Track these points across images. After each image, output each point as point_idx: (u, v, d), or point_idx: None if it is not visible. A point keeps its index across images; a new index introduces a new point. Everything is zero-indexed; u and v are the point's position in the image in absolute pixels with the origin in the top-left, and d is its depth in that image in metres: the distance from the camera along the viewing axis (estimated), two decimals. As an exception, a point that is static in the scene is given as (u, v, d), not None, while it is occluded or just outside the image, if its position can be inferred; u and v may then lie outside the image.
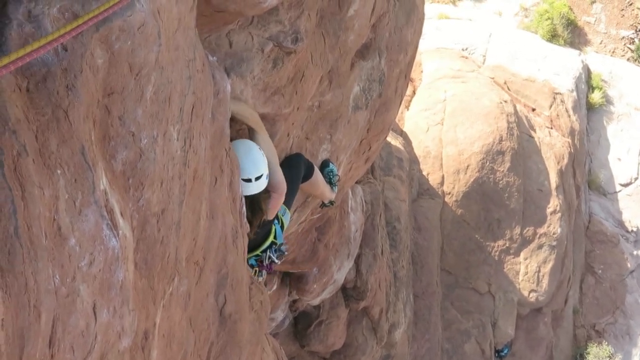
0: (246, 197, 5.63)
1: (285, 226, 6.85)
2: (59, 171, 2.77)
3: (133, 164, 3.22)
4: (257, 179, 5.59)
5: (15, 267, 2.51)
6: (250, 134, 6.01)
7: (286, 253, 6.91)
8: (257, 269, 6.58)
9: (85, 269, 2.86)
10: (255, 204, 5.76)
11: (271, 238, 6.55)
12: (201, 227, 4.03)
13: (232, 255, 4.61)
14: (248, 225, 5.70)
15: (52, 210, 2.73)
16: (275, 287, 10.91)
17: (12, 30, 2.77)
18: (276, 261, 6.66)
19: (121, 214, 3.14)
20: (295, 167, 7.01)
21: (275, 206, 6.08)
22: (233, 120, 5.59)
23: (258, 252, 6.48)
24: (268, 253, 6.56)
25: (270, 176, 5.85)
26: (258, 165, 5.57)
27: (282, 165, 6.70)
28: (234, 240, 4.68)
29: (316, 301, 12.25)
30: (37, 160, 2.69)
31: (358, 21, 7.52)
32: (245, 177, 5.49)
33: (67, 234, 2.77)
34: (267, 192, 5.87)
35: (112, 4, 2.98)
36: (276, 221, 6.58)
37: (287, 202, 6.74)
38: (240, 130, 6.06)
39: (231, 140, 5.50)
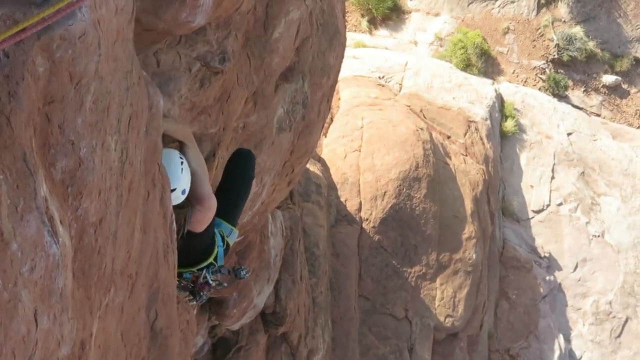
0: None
1: (231, 246, 6.81)
2: (1, 176, 2.77)
3: (72, 173, 3.23)
4: (171, 191, 5.48)
5: (-40, 270, 2.51)
6: (181, 149, 5.98)
7: (245, 278, 6.94)
8: (193, 290, 6.49)
9: (26, 274, 2.85)
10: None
11: (211, 259, 6.46)
12: (135, 239, 4.04)
13: (163, 270, 4.62)
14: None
15: (-5, 215, 2.73)
16: (195, 312, 10.84)
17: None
18: (211, 282, 6.52)
19: (60, 222, 3.14)
20: (241, 171, 6.96)
21: (201, 221, 5.99)
22: (163, 137, 5.59)
23: (194, 268, 6.38)
24: (204, 272, 6.44)
25: (197, 189, 5.81)
26: (173, 178, 5.47)
27: (225, 170, 6.67)
28: (165, 255, 4.69)
29: (236, 326, 12.21)
30: (-20, 165, 2.69)
31: (282, 44, 7.61)
32: None
33: (9, 239, 2.77)
34: (187, 205, 5.84)
35: (53, 11, 3.00)
36: (220, 243, 6.51)
37: (232, 219, 6.70)
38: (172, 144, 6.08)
39: None
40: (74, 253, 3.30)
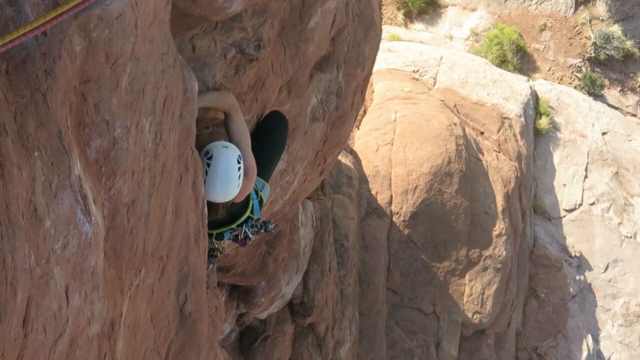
0: None
1: (265, 200, 6.82)
2: (36, 153, 2.79)
3: (106, 153, 3.24)
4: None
5: (-6, 243, 2.53)
6: (226, 120, 6.12)
7: (273, 231, 6.87)
8: (218, 246, 6.53)
9: (59, 251, 2.87)
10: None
11: (248, 213, 6.47)
12: (167, 222, 4.05)
13: (194, 254, 4.63)
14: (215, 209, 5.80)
15: (29, 191, 2.74)
16: (223, 299, 10.87)
17: (-4, 18, 2.78)
18: (251, 236, 6.56)
19: (94, 201, 3.16)
20: (277, 133, 6.98)
21: (244, 191, 6.07)
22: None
23: (233, 225, 6.40)
24: (244, 228, 6.47)
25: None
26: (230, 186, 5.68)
27: (261, 127, 6.76)
28: (196, 239, 4.70)
29: (263, 315, 12.24)
30: (16, 140, 2.70)
31: (318, 33, 7.59)
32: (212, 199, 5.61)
33: (42, 215, 2.79)
34: None
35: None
36: (254, 196, 6.55)
37: (265, 175, 6.72)
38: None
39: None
40: (106, 232, 3.31)
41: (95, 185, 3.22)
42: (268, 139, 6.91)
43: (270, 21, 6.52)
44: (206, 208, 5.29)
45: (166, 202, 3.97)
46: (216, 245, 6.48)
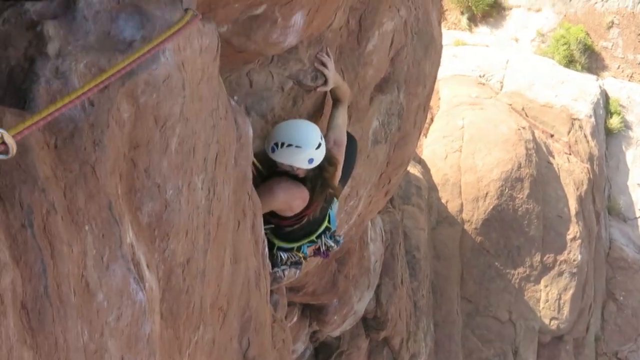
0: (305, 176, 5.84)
1: (335, 212, 6.78)
2: (86, 227, 2.79)
3: (159, 216, 3.25)
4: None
5: (46, 327, 2.54)
6: (335, 104, 6.47)
7: (341, 241, 6.84)
8: (301, 257, 6.53)
9: (113, 323, 2.87)
10: (316, 179, 5.90)
11: (325, 223, 6.49)
12: (225, 273, 4.05)
13: (255, 298, 4.62)
14: (317, 203, 5.95)
15: (81, 266, 2.75)
16: (295, 319, 10.90)
17: (40, 87, 2.80)
18: (333, 245, 6.59)
19: (147, 266, 3.16)
20: (349, 162, 6.96)
21: (337, 158, 6.20)
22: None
23: (313, 237, 6.42)
24: (324, 239, 6.49)
25: (338, 137, 6.27)
26: (306, 147, 5.69)
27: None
28: (257, 283, 4.70)
29: (337, 332, 12.24)
30: (66, 217, 2.71)
31: (377, 56, 7.55)
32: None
33: (95, 289, 2.79)
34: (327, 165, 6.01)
35: (137, 57, 3.02)
36: (334, 207, 6.56)
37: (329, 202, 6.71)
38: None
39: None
40: (161, 295, 3.32)
41: (149, 249, 3.22)
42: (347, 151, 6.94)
43: (327, 50, 6.51)
44: (267, 248, 5.30)
45: (223, 253, 3.97)
46: (300, 256, 6.51)
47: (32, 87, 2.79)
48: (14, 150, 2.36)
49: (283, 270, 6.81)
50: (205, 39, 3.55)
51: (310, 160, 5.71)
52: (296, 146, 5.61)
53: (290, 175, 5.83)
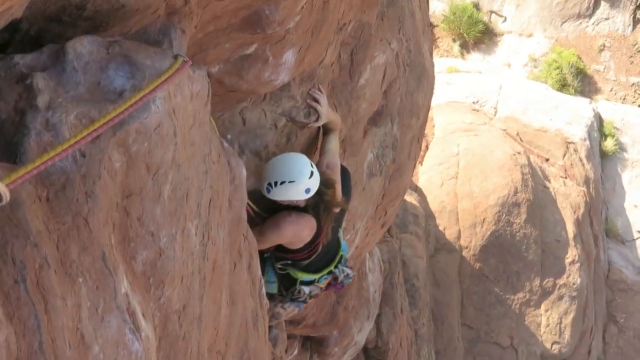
0: (307, 205, 5.81)
1: (347, 247, 6.84)
2: (80, 279, 2.78)
3: (153, 264, 3.24)
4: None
5: (41, 384, 2.52)
6: (326, 133, 6.54)
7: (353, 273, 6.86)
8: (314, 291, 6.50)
9: (109, 375, 2.86)
10: (319, 205, 5.85)
11: (340, 252, 6.51)
12: (222, 315, 4.03)
13: (253, 339, 4.60)
14: (326, 227, 5.92)
15: (75, 319, 2.74)
16: (296, 351, 10.85)
17: (31, 140, 2.80)
18: (349, 273, 6.63)
19: (143, 315, 3.15)
20: (347, 194, 6.93)
21: (333, 179, 6.15)
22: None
23: (332, 267, 6.44)
24: (340, 267, 6.51)
25: (331, 161, 6.29)
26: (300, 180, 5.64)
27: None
28: (255, 323, 4.68)
29: (338, 364, 12.18)
30: (59, 270, 2.70)
31: (369, 89, 7.56)
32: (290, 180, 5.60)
33: (90, 342, 2.78)
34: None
35: (127, 106, 3.02)
36: (341, 233, 6.56)
37: (339, 220, 6.65)
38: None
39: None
40: (158, 342, 3.30)
41: (144, 297, 3.21)
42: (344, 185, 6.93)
43: (319, 86, 6.52)
44: (264, 289, 5.28)
45: (220, 296, 3.96)
46: (320, 287, 6.54)
47: (23, 140, 2.79)
48: (8, 198, 2.36)
49: (282, 306, 6.79)
50: (196, 85, 3.55)
51: (307, 190, 5.68)
52: (289, 182, 5.57)
53: (292, 207, 5.81)
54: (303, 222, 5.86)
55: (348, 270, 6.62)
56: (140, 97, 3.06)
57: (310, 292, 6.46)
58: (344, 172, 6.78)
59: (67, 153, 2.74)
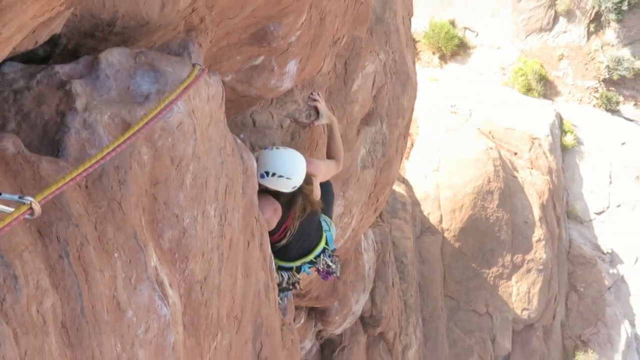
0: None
1: (333, 237, 6.43)
2: (116, 254, 2.79)
3: (178, 241, 3.24)
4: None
5: (83, 343, 2.53)
6: (329, 131, 6.43)
7: (338, 266, 6.42)
8: (293, 281, 6.10)
9: (142, 336, 2.86)
10: (295, 196, 5.53)
11: (322, 244, 6.10)
12: (238, 286, 4.03)
13: (265, 307, 4.60)
14: (292, 214, 5.55)
15: (112, 288, 2.74)
16: (303, 320, 10.86)
17: (71, 137, 2.81)
18: (332, 265, 6.18)
19: (170, 285, 3.15)
20: (332, 193, 6.73)
21: (326, 173, 6.04)
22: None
23: (311, 257, 6.03)
24: (322, 258, 6.09)
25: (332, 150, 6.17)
26: (295, 176, 5.41)
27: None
28: (267, 293, 4.68)
29: (339, 330, 12.17)
30: (97, 247, 2.71)
31: (361, 94, 7.56)
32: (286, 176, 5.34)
33: (125, 307, 2.79)
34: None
35: (156, 112, 3.01)
36: (327, 228, 6.21)
37: (328, 214, 6.37)
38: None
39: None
40: (183, 309, 3.31)
41: (171, 270, 3.22)
42: (324, 191, 6.74)
43: (318, 91, 6.52)
44: (274, 264, 5.27)
45: (235, 270, 3.96)
46: (297, 277, 6.10)
47: (64, 137, 2.80)
48: (39, 213, 2.36)
49: (282, 298, 6.51)
50: (212, 89, 3.55)
51: (294, 187, 5.45)
52: (287, 178, 5.34)
53: (263, 190, 5.44)
54: (266, 205, 5.41)
55: (330, 263, 6.15)
56: (165, 104, 3.06)
57: (288, 278, 6.08)
58: (328, 190, 6.54)
59: (107, 159, 2.74)
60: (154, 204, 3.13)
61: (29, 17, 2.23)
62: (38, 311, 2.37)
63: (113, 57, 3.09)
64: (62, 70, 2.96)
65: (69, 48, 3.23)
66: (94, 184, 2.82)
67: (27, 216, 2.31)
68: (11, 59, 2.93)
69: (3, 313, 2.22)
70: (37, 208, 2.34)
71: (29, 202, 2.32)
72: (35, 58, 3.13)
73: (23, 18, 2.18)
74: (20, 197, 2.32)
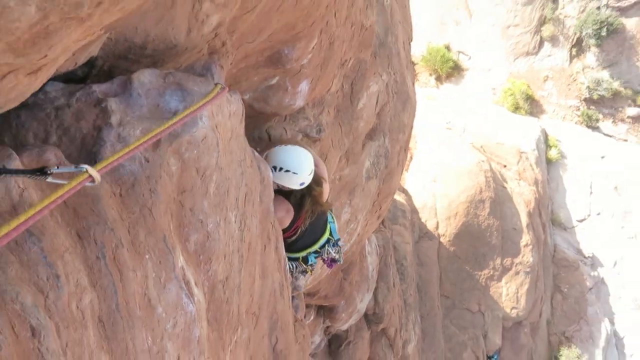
0: (292, 192, 5.35)
1: (336, 226, 6.21)
2: (147, 256, 2.79)
3: (202, 244, 3.23)
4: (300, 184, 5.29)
5: (118, 335, 2.52)
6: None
7: (343, 248, 6.31)
8: (307, 267, 5.94)
9: (170, 330, 2.86)
10: (304, 197, 5.42)
11: (327, 234, 5.93)
12: (256, 286, 4.02)
13: (280, 304, 4.59)
14: (304, 215, 5.44)
15: (143, 287, 2.74)
16: (312, 317, 10.83)
17: (107, 149, 2.81)
18: (335, 256, 5.97)
19: (195, 284, 3.15)
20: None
21: (325, 192, 5.74)
22: None
23: (316, 247, 5.87)
24: (327, 248, 5.92)
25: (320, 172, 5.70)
26: (303, 173, 5.24)
27: None
28: (281, 292, 4.66)
29: (345, 326, 12.15)
30: (130, 249, 2.71)
31: (366, 112, 7.56)
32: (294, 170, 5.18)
33: (155, 304, 2.78)
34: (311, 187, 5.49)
35: (179, 119, 3.01)
36: (331, 219, 6.03)
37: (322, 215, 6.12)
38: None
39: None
40: (207, 305, 3.30)
41: (196, 270, 3.21)
42: None
43: (327, 109, 6.52)
44: (288, 264, 5.25)
45: (254, 270, 3.95)
46: (304, 266, 5.96)
47: (100, 149, 2.80)
48: (99, 180, 2.35)
49: (296, 278, 6.48)
50: (233, 106, 3.55)
51: (302, 184, 5.30)
52: (293, 172, 5.18)
53: (276, 191, 5.30)
54: (278, 205, 5.29)
55: (333, 253, 5.96)
56: (188, 113, 3.06)
57: (296, 267, 5.94)
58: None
59: (135, 152, 2.73)
60: (181, 210, 3.12)
61: (72, 41, 2.23)
62: (78, 307, 2.37)
63: (144, 78, 3.09)
64: (98, 89, 2.97)
65: (104, 69, 3.24)
66: (128, 192, 2.81)
67: (88, 183, 2.31)
68: (53, 79, 2.94)
69: (46, 309, 2.22)
70: (97, 176, 2.33)
71: (85, 169, 2.31)
72: (75, 78, 3.14)
73: (67, 42, 2.19)
74: (76, 167, 2.32)
